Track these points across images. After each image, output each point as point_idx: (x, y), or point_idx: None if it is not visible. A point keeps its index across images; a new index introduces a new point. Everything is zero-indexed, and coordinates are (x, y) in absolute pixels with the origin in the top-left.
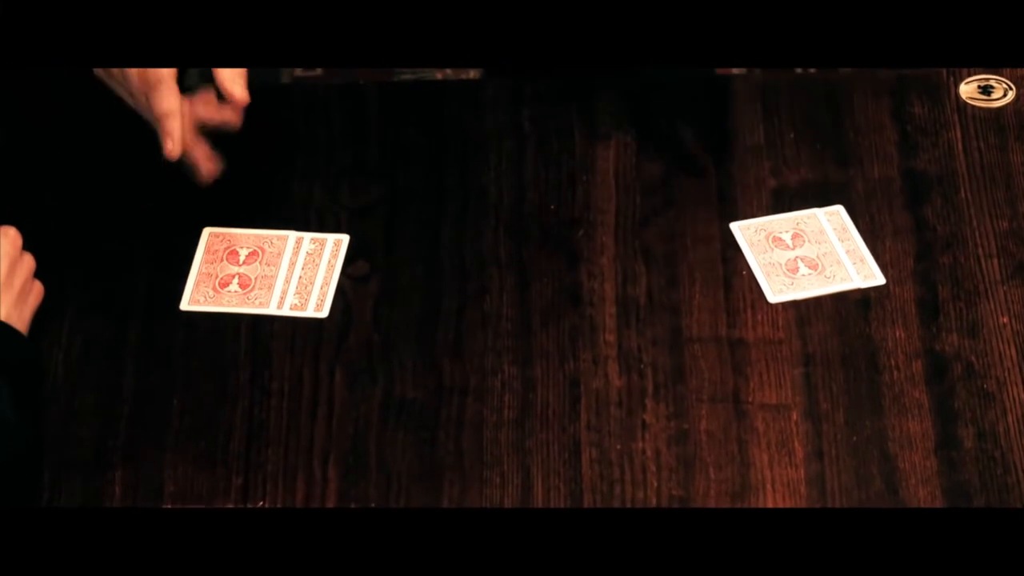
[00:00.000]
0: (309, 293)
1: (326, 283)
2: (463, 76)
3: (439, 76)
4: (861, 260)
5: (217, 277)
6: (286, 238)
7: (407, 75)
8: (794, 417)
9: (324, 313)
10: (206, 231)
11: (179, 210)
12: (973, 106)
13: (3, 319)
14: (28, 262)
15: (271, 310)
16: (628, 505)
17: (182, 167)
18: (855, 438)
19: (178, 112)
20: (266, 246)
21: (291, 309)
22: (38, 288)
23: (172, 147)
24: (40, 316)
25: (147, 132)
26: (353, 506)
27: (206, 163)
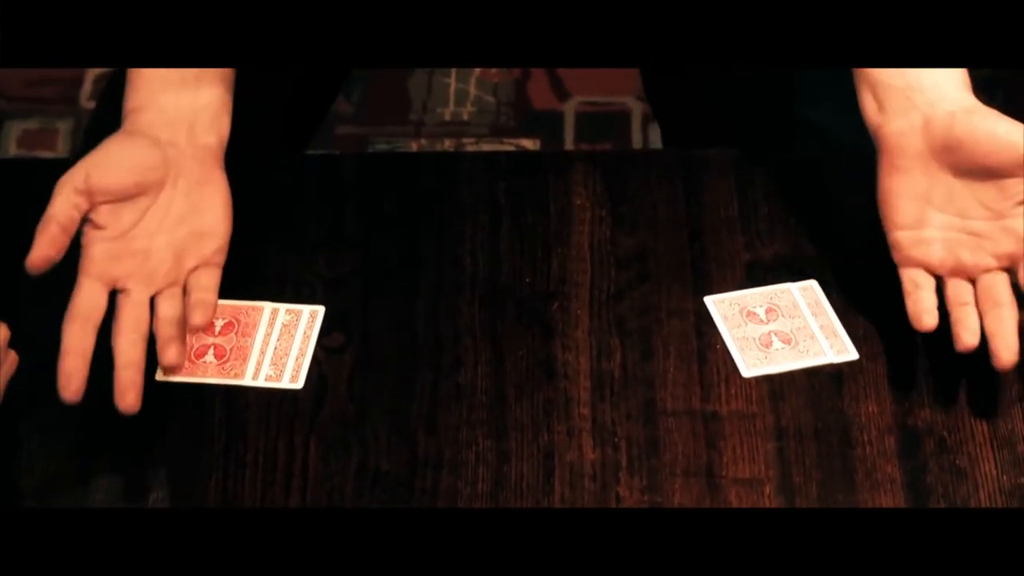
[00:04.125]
0: (284, 364)
1: (301, 354)
2: (439, 148)
3: (415, 147)
4: (834, 335)
5: (192, 348)
6: (261, 309)
7: (382, 146)
8: (767, 491)
9: (299, 384)
10: None
11: None
12: None
13: None
14: (1, 331)
15: (246, 381)
16: None
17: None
18: None
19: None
20: (241, 317)
21: (266, 380)
22: (12, 357)
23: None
24: (13, 385)
25: None
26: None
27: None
